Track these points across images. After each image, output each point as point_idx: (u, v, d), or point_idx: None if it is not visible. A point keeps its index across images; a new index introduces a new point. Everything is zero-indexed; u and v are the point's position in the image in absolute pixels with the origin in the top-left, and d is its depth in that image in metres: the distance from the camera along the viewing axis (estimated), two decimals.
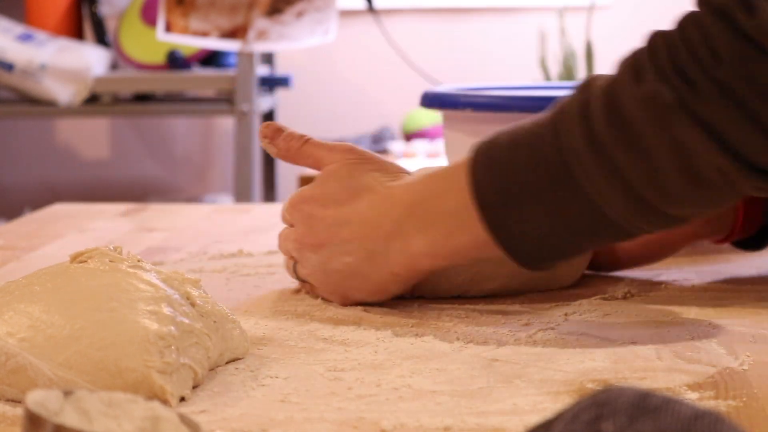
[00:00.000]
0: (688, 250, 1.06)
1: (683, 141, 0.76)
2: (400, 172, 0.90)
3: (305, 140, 0.95)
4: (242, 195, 2.73)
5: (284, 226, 0.94)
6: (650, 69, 0.78)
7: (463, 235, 0.83)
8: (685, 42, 0.77)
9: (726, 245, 1.02)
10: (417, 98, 1.20)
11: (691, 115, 0.76)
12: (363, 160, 0.90)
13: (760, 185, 0.78)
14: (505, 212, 0.81)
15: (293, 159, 0.95)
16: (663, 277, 1.01)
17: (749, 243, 1.01)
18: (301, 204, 0.91)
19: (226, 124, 3.29)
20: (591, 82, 0.80)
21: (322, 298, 0.92)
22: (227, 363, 0.76)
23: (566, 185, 0.79)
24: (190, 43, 2.76)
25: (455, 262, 0.88)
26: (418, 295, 0.93)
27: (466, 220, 0.82)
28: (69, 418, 0.53)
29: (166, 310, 0.70)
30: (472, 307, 0.91)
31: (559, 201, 0.79)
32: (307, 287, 0.94)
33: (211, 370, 0.74)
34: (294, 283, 0.97)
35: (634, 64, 0.79)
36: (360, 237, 0.87)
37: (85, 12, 2.94)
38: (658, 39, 0.78)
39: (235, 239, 1.20)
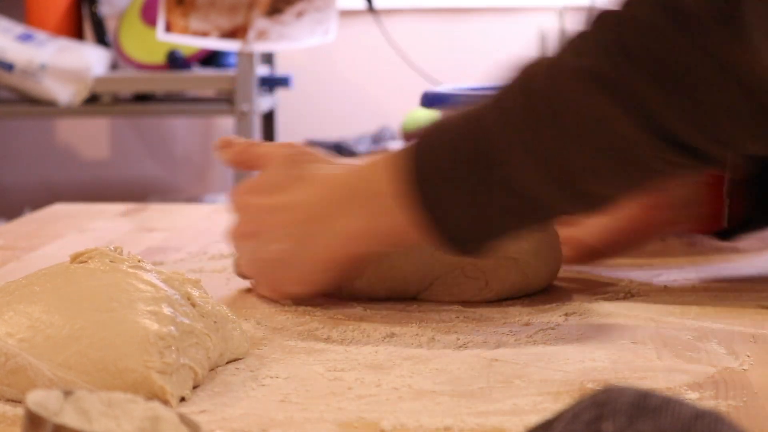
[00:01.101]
0: (686, 249, 1.06)
1: (590, 106, 0.78)
2: (341, 163, 0.90)
3: (249, 143, 0.95)
4: None
5: None
6: (567, 41, 0.80)
7: (387, 217, 0.83)
8: (611, 13, 0.79)
9: (722, 242, 1.03)
10: (417, 98, 1.20)
11: (600, 81, 0.78)
12: (303, 153, 0.91)
13: (671, 158, 0.79)
14: (435, 192, 0.81)
15: (243, 163, 0.95)
16: (663, 277, 1.01)
17: (723, 233, 1.02)
18: (240, 194, 0.91)
19: (226, 124, 3.29)
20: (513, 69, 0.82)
21: (258, 295, 0.93)
22: (227, 363, 0.76)
23: (491, 173, 0.80)
24: (190, 43, 2.76)
25: (378, 247, 0.87)
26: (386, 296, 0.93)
27: (391, 204, 0.83)
28: (69, 418, 0.53)
29: (166, 310, 0.70)
30: (472, 307, 0.90)
31: (486, 189, 0.80)
32: (253, 284, 0.95)
33: (212, 370, 0.74)
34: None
35: (567, 40, 0.81)
36: (290, 222, 0.87)
37: (85, 12, 2.94)
38: (593, 16, 0.81)
39: None
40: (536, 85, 0.80)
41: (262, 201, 0.89)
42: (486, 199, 0.81)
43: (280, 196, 0.88)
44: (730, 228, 1.01)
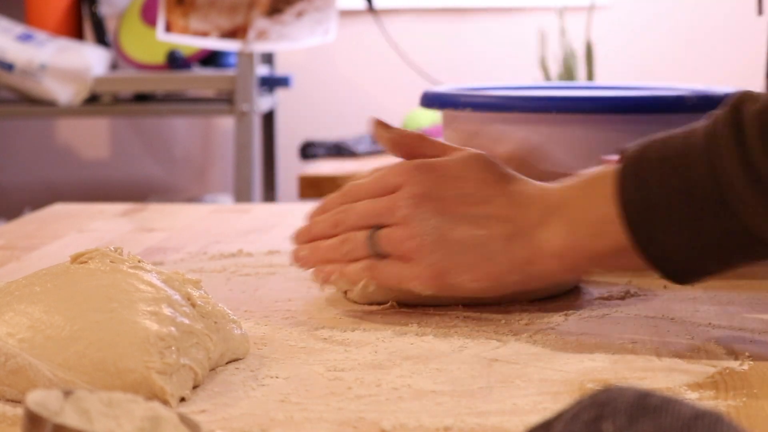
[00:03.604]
0: None
1: None
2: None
3: (415, 134, 0.90)
4: (242, 195, 2.72)
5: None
6: None
7: (605, 240, 0.81)
8: None
9: None
10: (417, 98, 1.20)
11: None
12: (493, 161, 0.88)
13: None
14: (652, 230, 0.78)
15: (404, 149, 0.90)
16: None
17: None
18: (432, 169, 0.87)
19: (226, 124, 3.29)
20: (743, 104, 0.78)
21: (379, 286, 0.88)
22: (227, 363, 0.76)
23: (719, 212, 0.77)
24: (190, 43, 2.76)
25: (594, 266, 0.86)
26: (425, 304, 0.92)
27: (610, 230, 0.80)
28: (69, 418, 0.53)
29: (167, 310, 0.70)
30: (472, 307, 0.90)
31: (710, 226, 0.77)
32: (374, 269, 0.87)
33: (212, 370, 0.74)
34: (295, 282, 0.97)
35: None
36: (503, 217, 0.84)
37: (85, 12, 2.94)
38: None
39: (235, 239, 1.20)
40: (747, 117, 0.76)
41: (466, 185, 0.85)
42: (713, 242, 0.78)
43: (490, 189, 0.85)
44: None
